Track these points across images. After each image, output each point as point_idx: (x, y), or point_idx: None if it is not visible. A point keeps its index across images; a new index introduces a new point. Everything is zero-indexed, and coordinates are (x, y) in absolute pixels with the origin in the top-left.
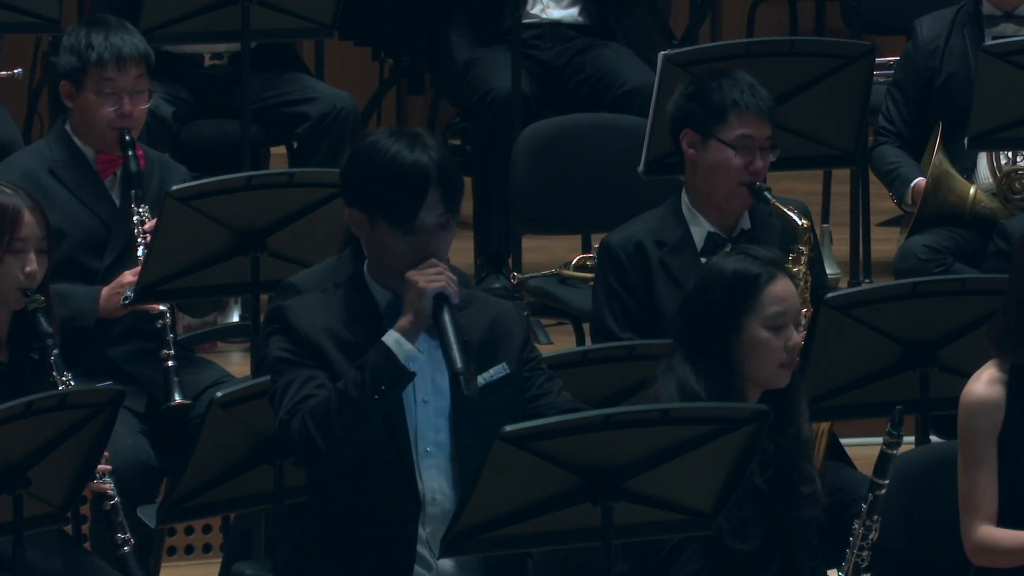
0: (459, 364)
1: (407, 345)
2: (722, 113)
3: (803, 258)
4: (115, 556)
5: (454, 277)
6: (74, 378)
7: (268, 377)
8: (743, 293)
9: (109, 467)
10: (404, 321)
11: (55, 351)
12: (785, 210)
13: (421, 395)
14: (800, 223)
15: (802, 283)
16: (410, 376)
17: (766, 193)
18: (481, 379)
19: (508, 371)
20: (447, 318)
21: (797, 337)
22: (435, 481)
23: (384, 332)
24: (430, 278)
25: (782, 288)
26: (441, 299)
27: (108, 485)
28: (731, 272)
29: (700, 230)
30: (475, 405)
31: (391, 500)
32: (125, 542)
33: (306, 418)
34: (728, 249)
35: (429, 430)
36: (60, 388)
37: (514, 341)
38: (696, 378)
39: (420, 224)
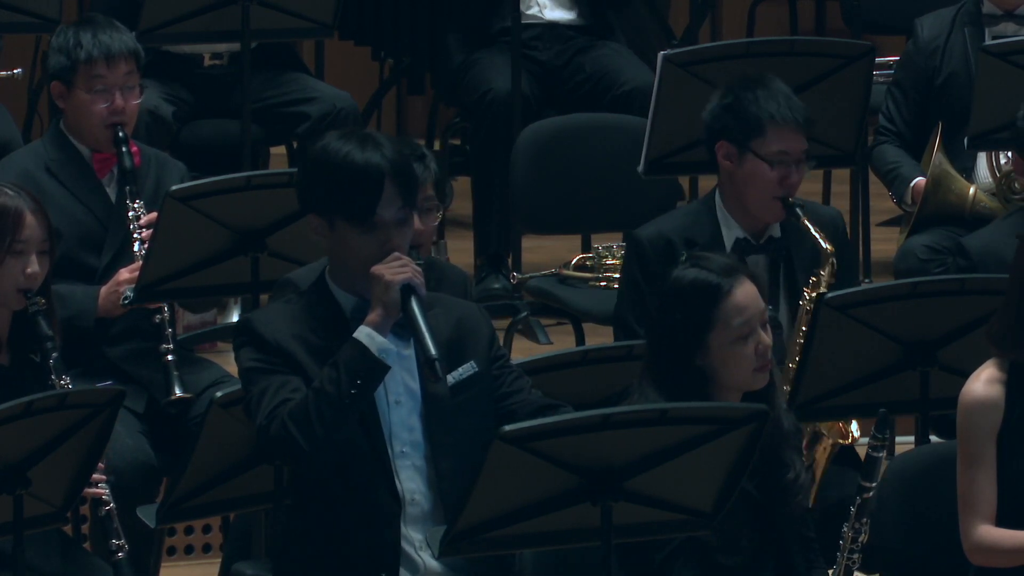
0: (432, 351)
1: (379, 338)
2: (759, 128)
3: (822, 284)
4: (110, 562)
5: (419, 268)
6: (74, 378)
7: None
8: (703, 309)
9: (103, 477)
10: (373, 315)
11: (54, 354)
12: (812, 231)
13: (394, 396)
14: (824, 247)
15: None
16: (385, 369)
17: (797, 210)
18: (451, 378)
19: (477, 369)
20: (416, 308)
21: (766, 339)
22: (412, 481)
23: (354, 339)
24: (395, 270)
25: (742, 296)
26: (408, 290)
27: (104, 491)
28: (688, 285)
29: (730, 233)
30: (447, 404)
31: (372, 501)
32: (119, 548)
33: (285, 420)
34: (682, 259)
35: (403, 430)
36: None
37: (481, 340)
38: (662, 396)
39: (379, 220)
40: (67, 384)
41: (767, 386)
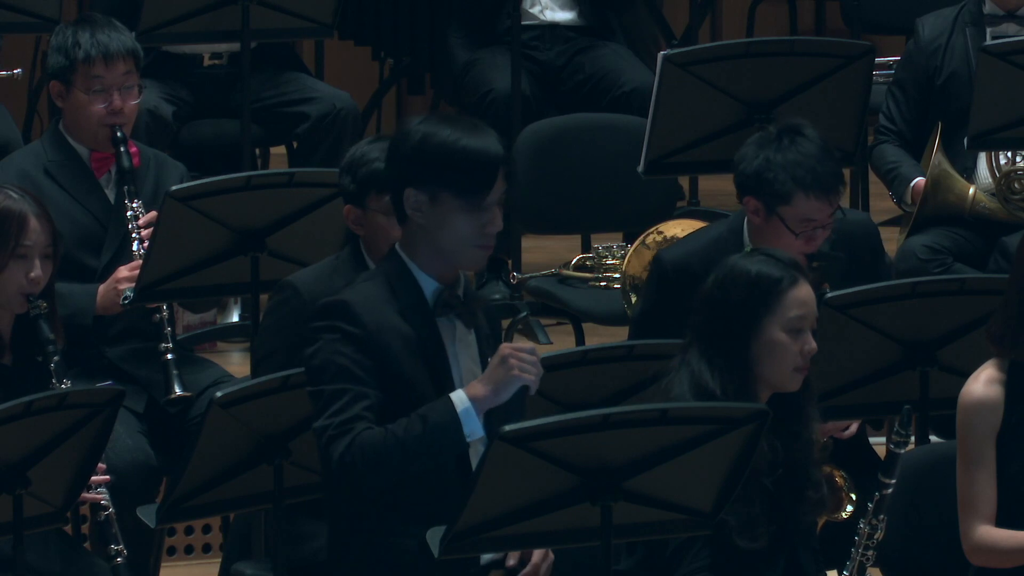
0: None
1: (473, 418)
2: (786, 197)
3: None
4: (109, 567)
5: (542, 370)
6: (73, 378)
7: (267, 377)
8: (765, 294)
9: (105, 478)
10: (480, 391)
11: (56, 358)
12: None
13: (458, 382)
14: None
15: None
16: (465, 447)
17: (818, 276)
18: None
19: None
20: (519, 408)
21: (813, 343)
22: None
23: (434, 325)
24: (526, 368)
25: (804, 293)
26: (524, 390)
27: (103, 496)
28: (754, 273)
29: None
30: None
31: (443, 479)
32: (118, 553)
33: (354, 448)
34: (748, 249)
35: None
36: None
37: (498, 331)
38: (712, 375)
39: (489, 199)
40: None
41: (801, 397)
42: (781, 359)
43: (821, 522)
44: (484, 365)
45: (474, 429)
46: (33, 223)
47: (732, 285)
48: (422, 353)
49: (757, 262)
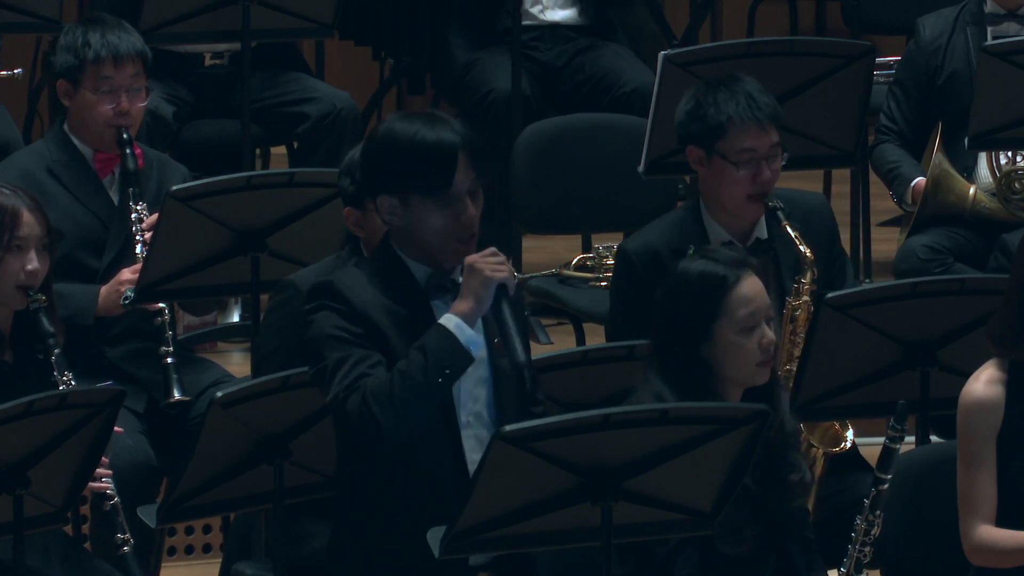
0: (521, 357)
1: (468, 330)
2: (720, 129)
3: (804, 290)
4: (115, 556)
5: (513, 270)
6: (74, 378)
7: (268, 378)
8: (710, 298)
9: (108, 472)
10: (464, 306)
11: (56, 351)
12: (793, 236)
13: None
14: (805, 254)
15: (802, 314)
16: (470, 360)
17: (779, 213)
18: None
19: None
20: (507, 310)
21: (771, 334)
22: (475, 452)
23: (428, 306)
24: (494, 267)
25: (749, 288)
26: (502, 290)
27: (108, 485)
28: (696, 276)
29: (716, 237)
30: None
31: (439, 474)
32: (125, 542)
33: (367, 397)
34: (691, 252)
35: (469, 400)
36: (61, 388)
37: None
38: (670, 388)
39: (455, 191)
40: (69, 380)
41: (770, 385)
42: (742, 359)
43: (820, 467)
44: (525, 368)
45: (471, 341)
46: (26, 216)
47: (679, 294)
48: (414, 332)
49: (699, 264)
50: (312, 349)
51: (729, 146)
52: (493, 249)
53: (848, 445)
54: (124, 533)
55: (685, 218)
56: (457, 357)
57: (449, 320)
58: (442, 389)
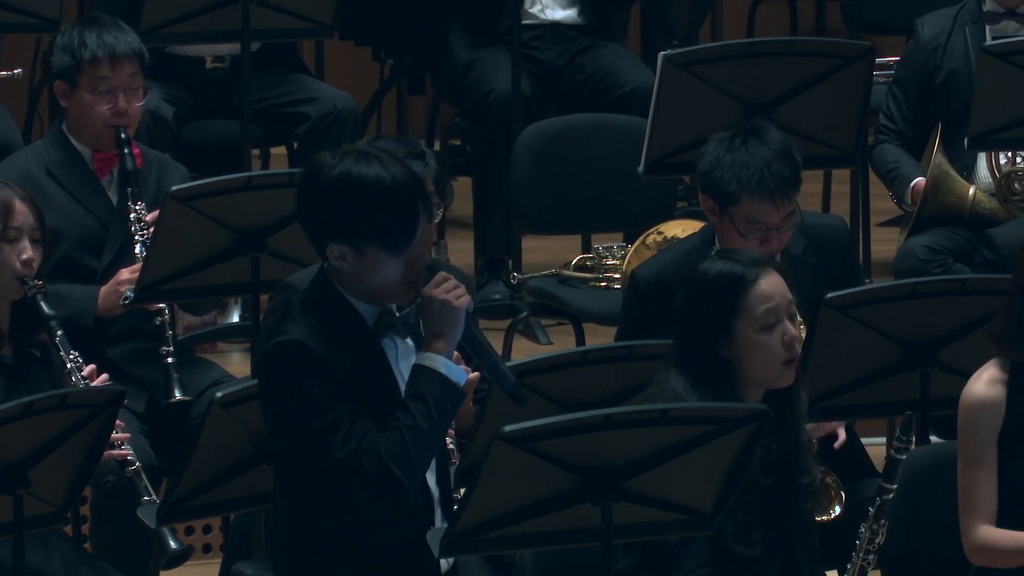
0: (512, 377)
1: (455, 367)
2: (733, 198)
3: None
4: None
5: (463, 286)
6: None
7: None
8: (729, 297)
9: (126, 435)
10: (439, 344)
11: (59, 332)
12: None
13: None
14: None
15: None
16: (464, 395)
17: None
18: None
19: None
20: (479, 333)
21: (793, 330)
22: (429, 473)
23: (378, 346)
24: (456, 295)
25: (768, 285)
26: (467, 316)
27: (128, 452)
28: (714, 276)
29: None
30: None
31: (406, 498)
32: (152, 503)
33: (384, 459)
34: (713, 253)
35: None
36: (68, 367)
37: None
38: (690, 388)
39: (415, 242)
40: (77, 359)
41: (792, 389)
42: (765, 357)
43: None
44: (515, 387)
45: (458, 376)
46: (18, 205)
47: (698, 295)
48: (370, 374)
49: (718, 264)
50: (291, 411)
51: (740, 214)
52: (444, 274)
53: (836, 514)
54: (150, 495)
55: (700, 249)
56: (452, 396)
57: (434, 361)
58: (446, 430)
